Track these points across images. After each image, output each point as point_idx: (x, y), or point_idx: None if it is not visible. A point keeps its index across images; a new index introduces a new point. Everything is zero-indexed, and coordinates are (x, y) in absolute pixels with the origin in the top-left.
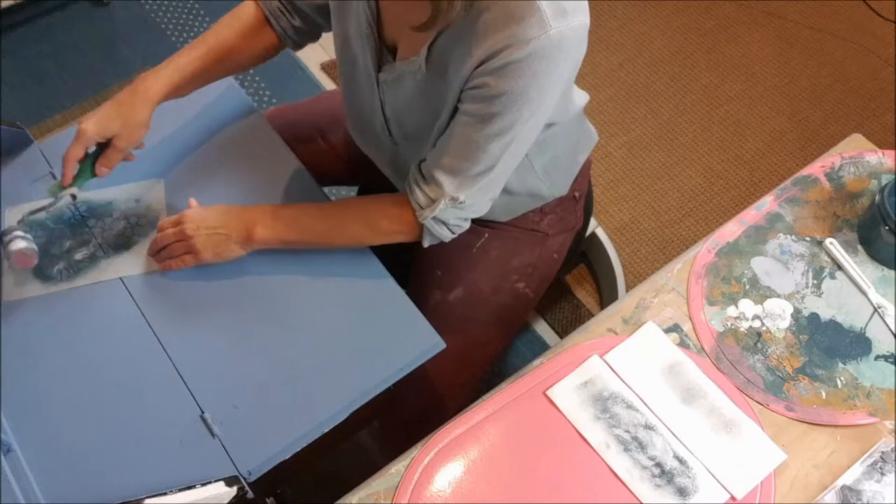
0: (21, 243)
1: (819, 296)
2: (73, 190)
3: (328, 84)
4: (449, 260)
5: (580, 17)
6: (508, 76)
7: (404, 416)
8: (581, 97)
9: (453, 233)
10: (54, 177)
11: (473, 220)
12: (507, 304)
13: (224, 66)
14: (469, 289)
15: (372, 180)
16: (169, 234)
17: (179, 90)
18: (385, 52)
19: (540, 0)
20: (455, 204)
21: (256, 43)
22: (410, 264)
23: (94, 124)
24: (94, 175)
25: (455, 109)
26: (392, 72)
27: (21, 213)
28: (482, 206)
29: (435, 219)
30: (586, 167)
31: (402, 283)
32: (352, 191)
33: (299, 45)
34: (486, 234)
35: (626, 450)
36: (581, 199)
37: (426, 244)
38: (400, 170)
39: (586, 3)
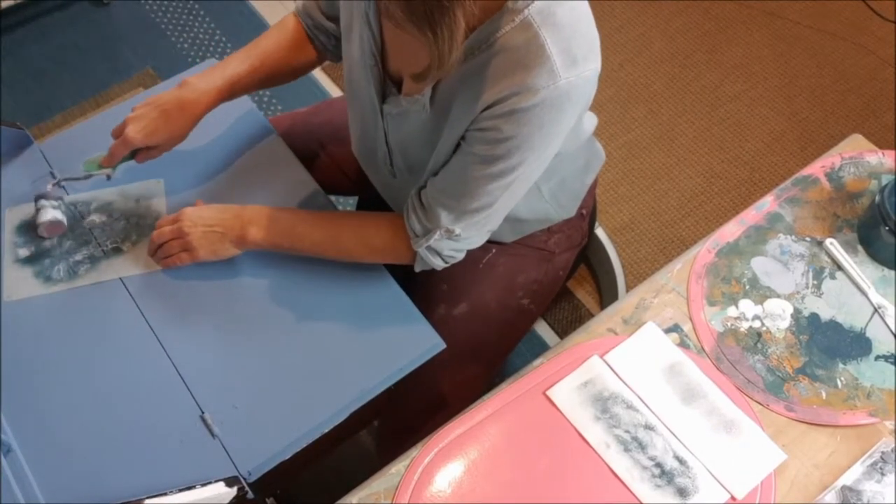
0: (51, 213)
1: (819, 296)
2: (109, 171)
3: (329, 85)
4: (455, 274)
5: (591, 65)
6: (514, 123)
7: (404, 421)
8: (590, 121)
9: (446, 262)
10: (54, 176)
11: None
12: (510, 320)
13: (271, 80)
14: (474, 304)
15: (371, 192)
16: (166, 231)
17: (224, 102)
18: (389, 84)
19: (551, 48)
20: (450, 236)
21: (301, 56)
22: (413, 276)
23: (141, 134)
24: (131, 158)
25: (457, 146)
26: (397, 105)
27: (22, 213)
28: (478, 239)
29: (429, 248)
30: (593, 185)
31: (406, 294)
32: (350, 200)
33: (340, 58)
34: (493, 251)
35: (626, 450)
36: (588, 216)
37: (417, 269)
38: (396, 199)
39: (598, 46)
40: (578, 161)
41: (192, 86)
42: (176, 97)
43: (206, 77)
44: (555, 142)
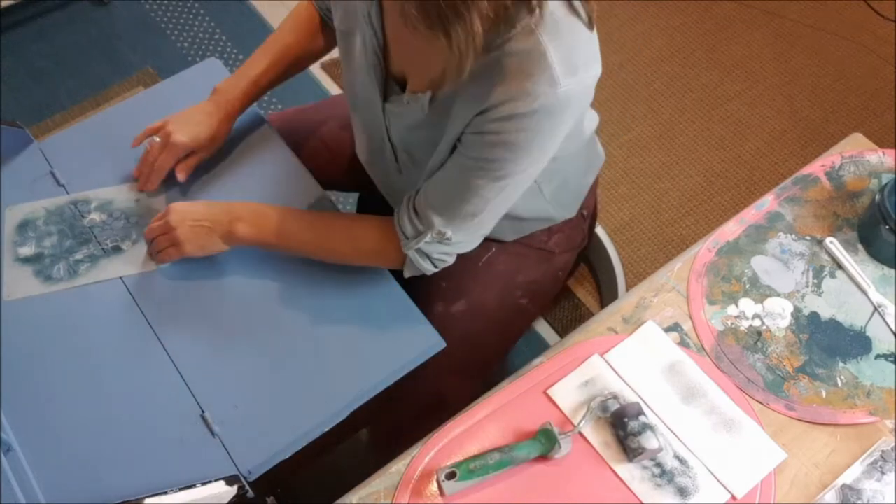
0: (652, 440)
1: (819, 295)
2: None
3: (329, 83)
4: (454, 272)
5: (592, 72)
6: (512, 128)
7: (401, 421)
8: (591, 121)
9: (436, 267)
10: (54, 176)
11: None
12: (508, 319)
13: (292, 69)
14: (473, 302)
15: (371, 188)
16: (155, 227)
17: (253, 101)
18: (392, 83)
19: (552, 55)
20: (441, 239)
21: (317, 42)
22: None
23: (188, 137)
24: None
25: (454, 148)
26: (399, 104)
27: (22, 212)
28: (469, 244)
29: (419, 251)
30: (594, 185)
31: (406, 293)
32: (350, 196)
33: None
34: (493, 249)
35: None
36: (588, 218)
37: (407, 275)
38: (400, 195)
39: (597, 52)
40: (579, 162)
41: (222, 91)
42: (211, 101)
43: (232, 81)
44: (550, 148)
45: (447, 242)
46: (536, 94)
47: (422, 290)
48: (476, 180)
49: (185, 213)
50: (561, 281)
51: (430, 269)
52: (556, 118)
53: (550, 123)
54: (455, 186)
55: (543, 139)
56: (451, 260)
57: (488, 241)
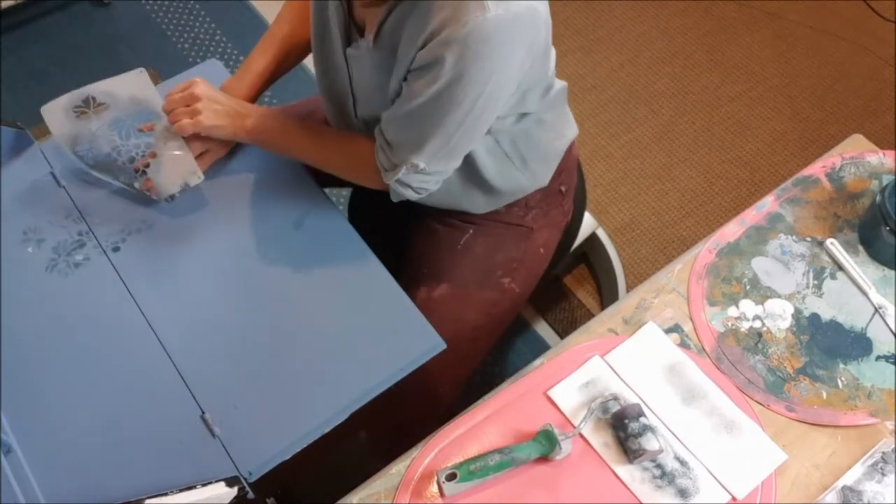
0: (652, 441)
1: (820, 296)
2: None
3: None
4: (434, 257)
5: (525, 1)
6: (448, 53)
7: (401, 422)
8: (557, 84)
9: (419, 194)
10: (54, 177)
11: (457, 216)
12: (493, 300)
13: (292, 59)
14: (454, 285)
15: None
16: (177, 98)
17: (259, 95)
18: (354, 29)
19: None
20: (416, 170)
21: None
22: (396, 262)
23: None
24: None
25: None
26: (358, 48)
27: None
28: (445, 173)
29: (399, 181)
30: (573, 162)
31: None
32: (343, 191)
33: None
34: (471, 231)
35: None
36: (568, 194)
37: (395, 199)
38: None
39: None
40: (547, 127)
41: (227, 89)
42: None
43: (236, 79)
44: (496, 78)
45: (423, 172)
46: (465, 19)
47: (405, 278)
48: (432, 115)
49: (209, 93)
50: (544, 259)
51: (413, 196)
52: (490, 45)
53: (486, 50)
54: (414, 124)
55: (483, 67)
56: (433, 187)
57: (465, 222)
